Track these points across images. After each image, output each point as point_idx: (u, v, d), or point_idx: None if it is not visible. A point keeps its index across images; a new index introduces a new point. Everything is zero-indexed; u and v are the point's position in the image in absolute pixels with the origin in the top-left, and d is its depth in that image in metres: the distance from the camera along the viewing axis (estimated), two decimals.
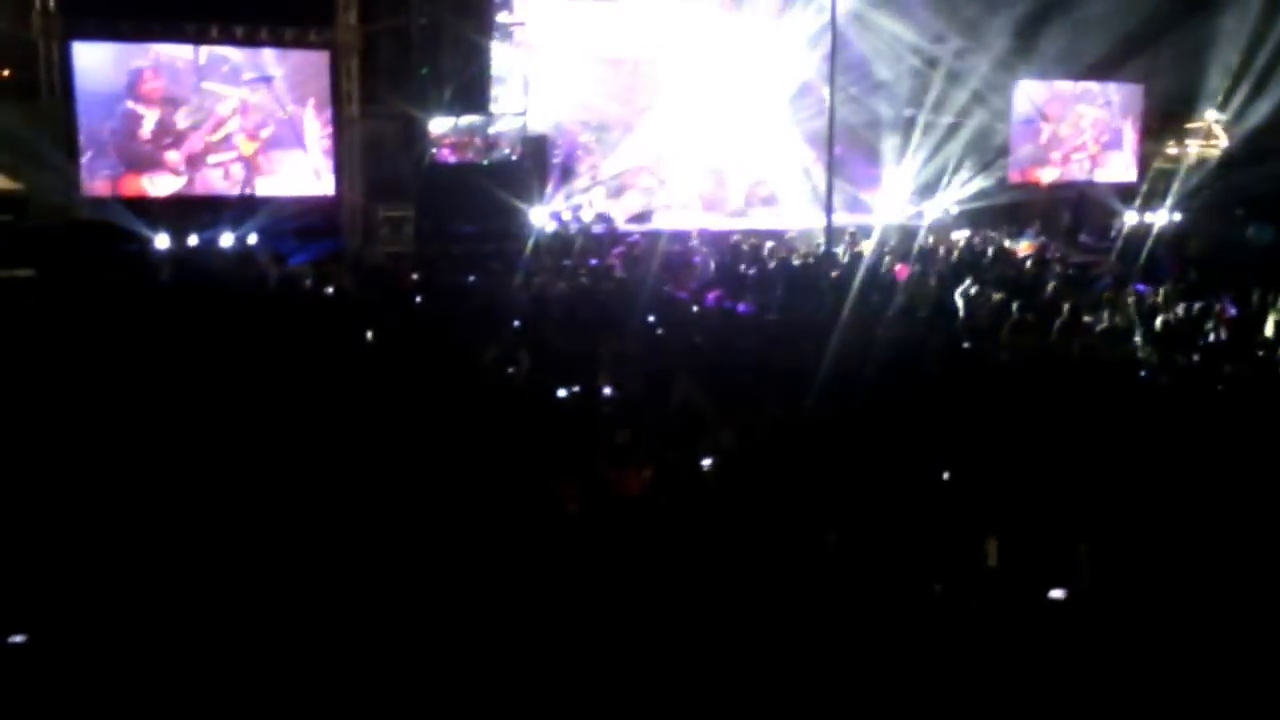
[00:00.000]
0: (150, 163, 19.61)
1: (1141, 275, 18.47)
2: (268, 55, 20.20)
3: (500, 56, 22.51)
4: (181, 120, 19.71)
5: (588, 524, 7.00)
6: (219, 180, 20.07)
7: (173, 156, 19.74)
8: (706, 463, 8.08)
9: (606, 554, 6.57)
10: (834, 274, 18.01)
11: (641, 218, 23.00)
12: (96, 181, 19.29)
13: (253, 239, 18.72)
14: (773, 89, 24.27)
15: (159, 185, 19.64)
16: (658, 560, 6.31)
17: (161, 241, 17.92)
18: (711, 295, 16.32)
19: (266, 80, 20.12)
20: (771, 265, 18.67)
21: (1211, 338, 14.47)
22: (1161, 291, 16.68)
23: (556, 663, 5.34)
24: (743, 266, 18.94)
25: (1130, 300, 16.47)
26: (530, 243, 20.16)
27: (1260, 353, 13.29)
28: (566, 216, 21.97)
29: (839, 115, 19.89)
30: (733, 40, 24.32)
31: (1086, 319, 15.18)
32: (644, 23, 23.98)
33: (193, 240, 18.19)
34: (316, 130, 20.46)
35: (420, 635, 5.52)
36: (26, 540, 6.33)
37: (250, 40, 20.00)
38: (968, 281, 16.27)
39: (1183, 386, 11.63)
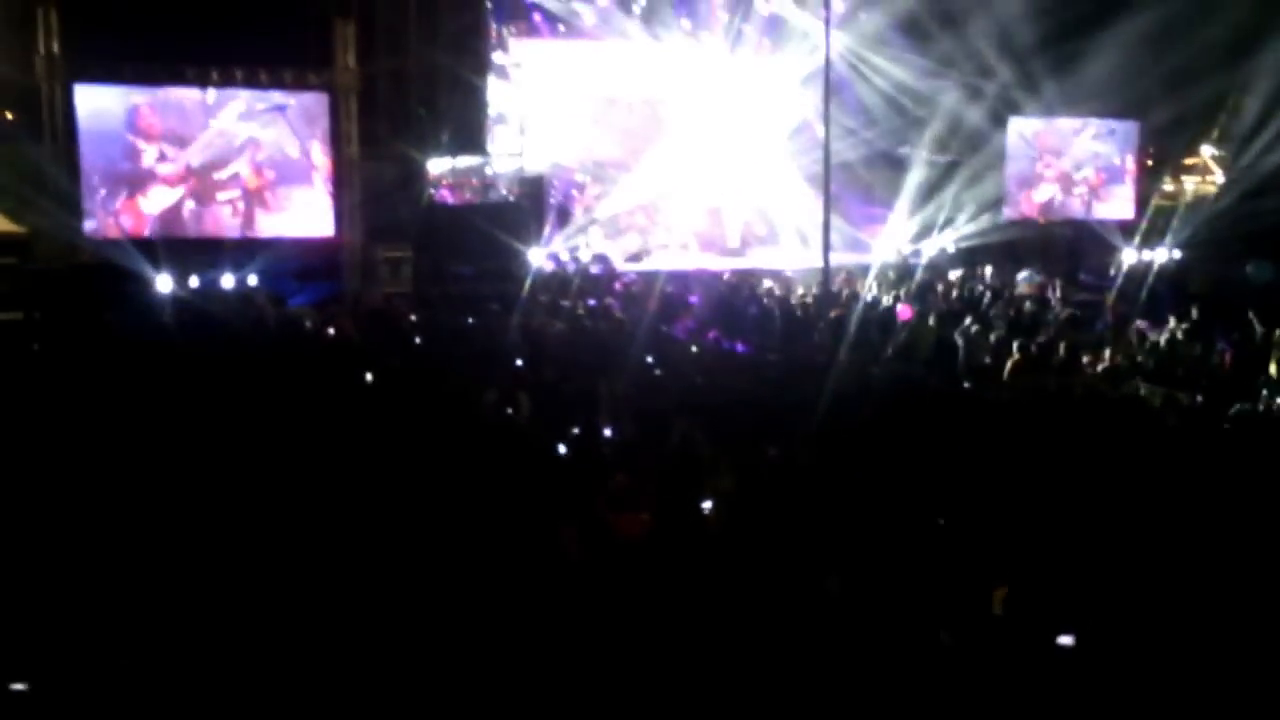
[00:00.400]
0: (152, 201, 19.66)
1: (1142, 313, 18.46)
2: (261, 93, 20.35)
3: (497, 97, 22.63)
4: (187, 157, 19.79)
5: (588, 568, 6.93)
6: (224, 218, 20.13)
7: (175, 194, 19.80)
8: (707, 506, 8.02)
9: (607, 598, 6.54)
10: (832, 313, 18.01)
11: (639, 257, 23.04)
12: (99, 224, 19.34)
13: (253, 280, 18.74)
14: (770, 128, 24.37)
15: (161, 224, 19.68)
16: (659, 604, 6.25)
17: (164, 283, 17.93)
18: (709, 335, 16.32)
19: (280, 110, 20.22)
20: (768, 304, 18.69)
21: (1215, 376, 14.48)
22: (1164, 330, 16.68)
23: (557, 708, 5.30)
24: (747, 301, 18.99)
25: (1132, 339, 16.48)
26: (528, 283, 20.18)
27: (1264, 392, 13.24)
28: (564, 257, 22.02)
29: (836, 154, 19.94)
30: (729, 80, 24.44)
31: (1087, 358, 15.21)
32: (640, 63, 24.11)
33: (194, 282, 18.21)
34: (324, 165, 20.53)
35: (419, 678, 5.49)
36: (26, 581, 6.30)
37: (250, 82, 20.11)
38: (968, 320, 16.27)
39: (1189, 426, 11.56)
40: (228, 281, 18.66)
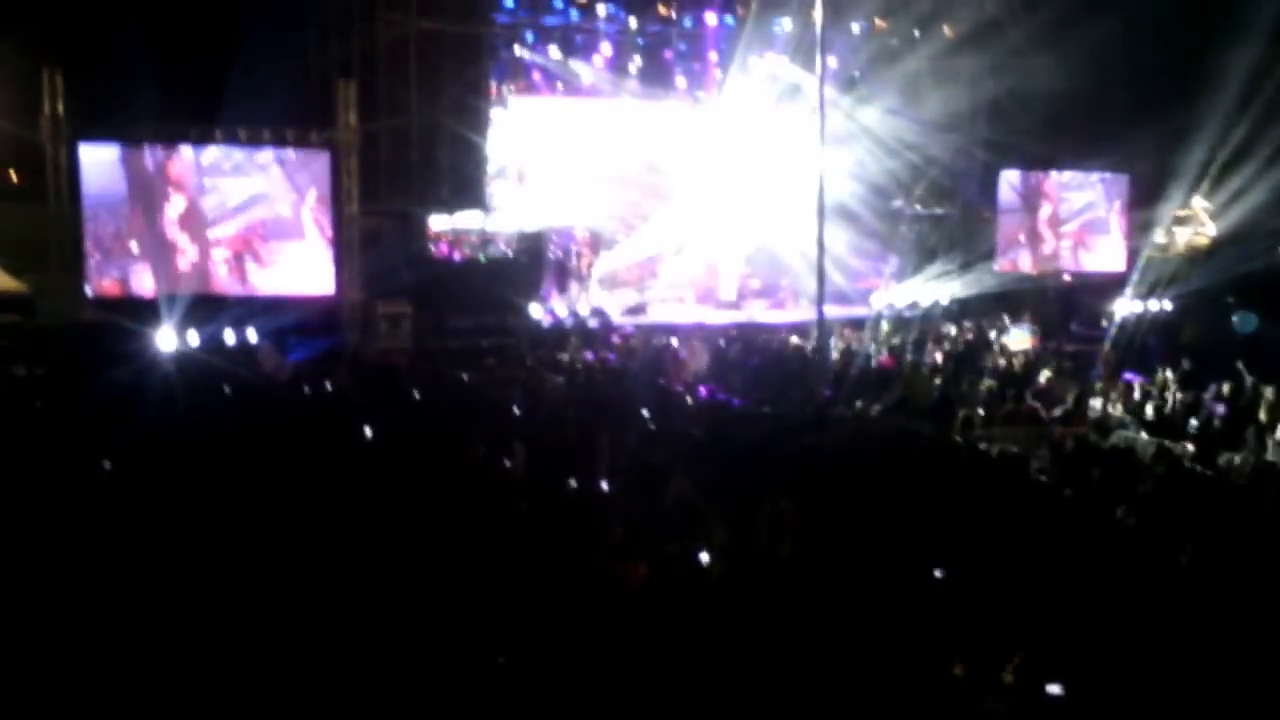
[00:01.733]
0: (153, 260, 19.87)
1: (1134, 363, 18.61)
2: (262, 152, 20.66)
3: (497, 154, 22.87)
4: (188, 215, 20.02)
5: (586, 618, 6.98)
6: (225, 275, 20.33)
7: (176, 251, 20.01)
8: (704, 558, 8.09)
9: (606, 648, 6.62)
10: (836, 365, 18.22)
11: (636, 311, 23.20)
12: (101, 282, 19.54)
13: (253, 336, 18.88)
14: (767, 183, 24.59)
15: (161, 282, 19.87)
16: (658, 654, 6.30)
17: (165, 339, 18.08)
18: (704, 388, 16.46)
19: (279, 162, 20.49)
20: (763, 358, 18.88)
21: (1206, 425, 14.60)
22: (1155, 380, 16.84)
23: None
24: (746, 353, 19.17)
25: (1123, 389, 16.62)
26: (527, 337, 20.37)
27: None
28: (562, 311, 22.18)
29: (831, 208, 20.12)
30: (726, 136, 24.72)
31: (1080, 407, 15.37)
32: (638, 120, 24.44)
33: (195, 338, 18.34)
34: (323, 221, 20.78)
35: None
36: (31, 632, 6.36)
37: (253, 141, 20.38)
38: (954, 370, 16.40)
39: (1178, 475, 11.64)
40: (229, 338, 18.79)
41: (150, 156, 19.86)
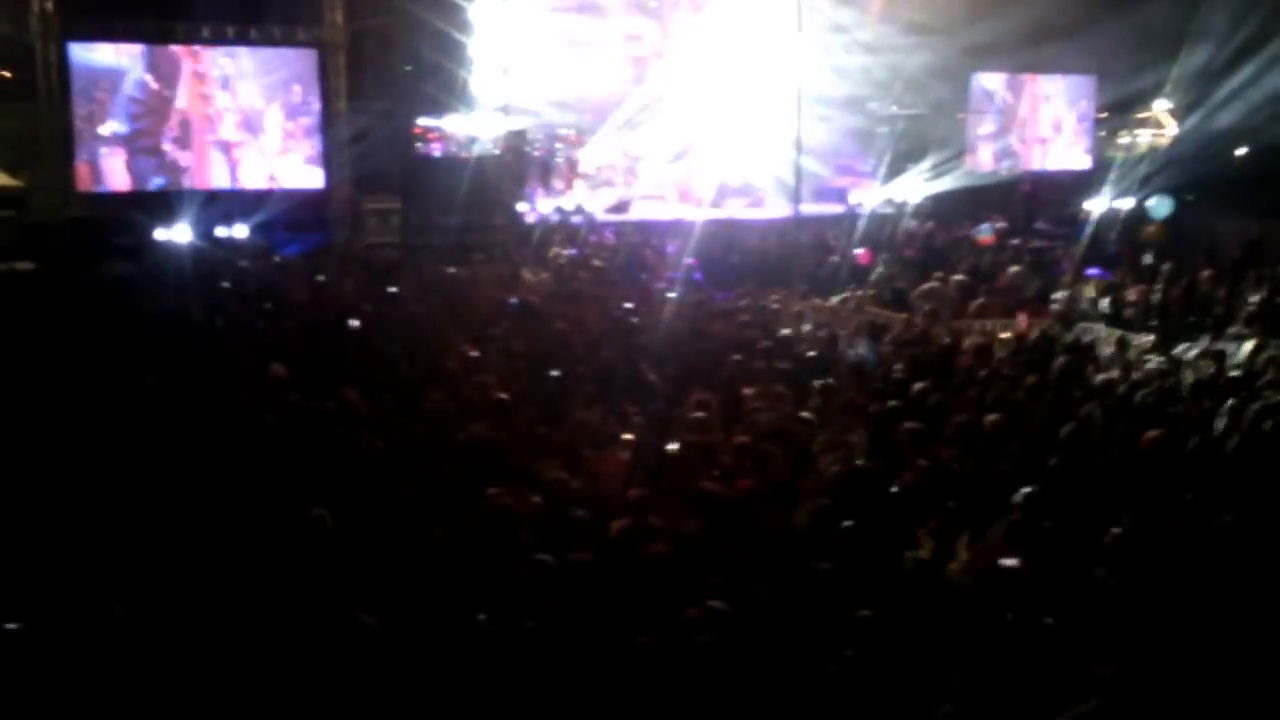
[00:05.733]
0: (144, 157, 20.12)
1: (1097, 260, 19.19)
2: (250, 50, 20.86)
3: (481, 52, 22.96)
4: (177, 112, 20.24)
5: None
6: (216, 170, 20.62)
7: (167, 148, 20.27)
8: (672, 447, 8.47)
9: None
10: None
11: (619, 209, 23.47)
12: (92, 178, 19.78)
13: (243, 231, 19.19)
14: (746, 83, 24.80)
15: (152, 178, 20.16)
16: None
17: (159, 235, 18.38)
18: (695, 277, 16.95)
19: (257, 62, 20.72)
20: (743, 254, 19.32)
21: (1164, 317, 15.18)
22: (1117, 275, 17.42)
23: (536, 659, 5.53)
24: (727, 249, 19.64)
25: (1087, 284, 17.19)
26: (513, 234, 20.72)
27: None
28: (546, 209, 22.48)
29: (809, 108, 20.42)
30: (707, 34, 24.87)
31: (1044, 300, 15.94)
32: (621, 18, 24.56)
33: (188, 233, 18.64)
34: (280, 124, 21.09)
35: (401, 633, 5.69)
36: (18, 528, 6.58)
37: (240, 39, 20.52)
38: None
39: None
40: (221, 232, 19.10)
41: (139, 53, 20.00)
